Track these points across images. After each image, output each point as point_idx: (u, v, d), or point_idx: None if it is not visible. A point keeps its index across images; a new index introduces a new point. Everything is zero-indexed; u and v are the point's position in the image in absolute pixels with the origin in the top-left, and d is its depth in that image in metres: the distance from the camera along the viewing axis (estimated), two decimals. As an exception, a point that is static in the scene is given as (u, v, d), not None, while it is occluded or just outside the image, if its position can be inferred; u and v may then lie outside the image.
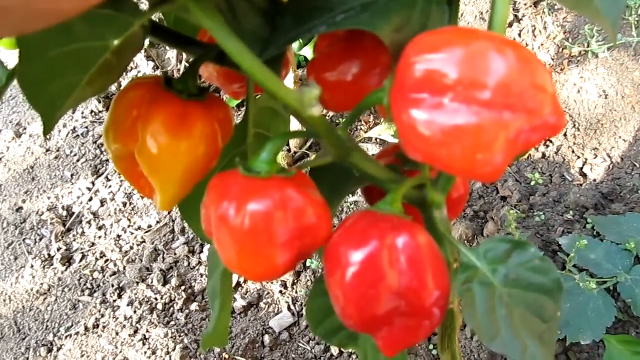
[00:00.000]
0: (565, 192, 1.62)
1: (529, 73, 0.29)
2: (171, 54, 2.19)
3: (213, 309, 0.46)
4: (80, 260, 1.74)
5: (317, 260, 1.59)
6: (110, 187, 1.91)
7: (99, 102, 2.13)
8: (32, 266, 1.74)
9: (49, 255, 1.76)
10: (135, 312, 1.58)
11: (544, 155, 1.73)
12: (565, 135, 1.76)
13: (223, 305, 0.45)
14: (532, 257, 0.37)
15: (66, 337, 1.58)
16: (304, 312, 1.52)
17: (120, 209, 1.85)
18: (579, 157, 1.70)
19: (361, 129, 1.87)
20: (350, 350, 1.42)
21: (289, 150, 1.85)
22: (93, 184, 1.93)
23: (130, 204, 1.86)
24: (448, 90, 0.29)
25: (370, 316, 0.37)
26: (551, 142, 1.75)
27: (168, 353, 1.49)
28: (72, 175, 1.97)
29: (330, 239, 0.38)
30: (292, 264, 0.37)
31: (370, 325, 0.38)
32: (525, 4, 2.04)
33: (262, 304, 1.56)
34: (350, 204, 1.72)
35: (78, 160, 2.01)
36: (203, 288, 1.62)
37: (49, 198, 1.91)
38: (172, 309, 1.58)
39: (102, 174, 1.96)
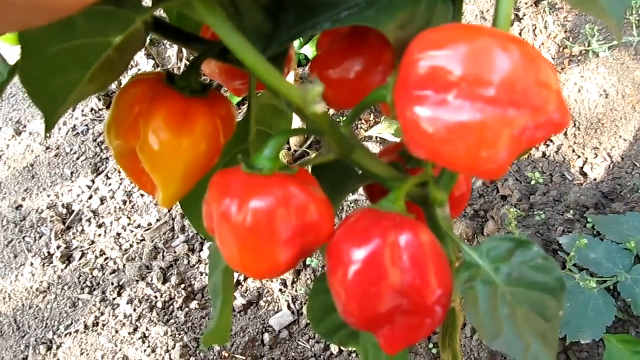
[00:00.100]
0: (565, 192, 1.62)
1: (533, 70, 0.29)
2: (171, 51, 2.19)
3: (215, 306, 0.46)
4: (80, 258, 1.74)
5: (317, 259, 1.59)
6: (110, 185, 1.91)
7: (99, 100, 2.13)
8: (32, 264, 1.74)
9: (48, 253, 1.76)
10: (135, 310, 1.58)
11: (544, 155, 1.73)
12: (565, 134, 1.75)
13: (225, 303, 0.45)
14: (534, 255, 0.37)
15: (66, 335, 1.58)
16: (303, 310, 1.52)
17: (120, 207, 1.84)
18: (579, 157, 1.70)
19: (361, 128, 1.87)
20: (349, 349, 1.42)
21: (289, 149, 1.85)
22: (93, 182, 1.93)
23: (130, 202, 1.85)
24: (452, 87, 0.28)
25: (372, 314, 0.37)
26: (551, 141, 1.75)
27: (168, 351, 1.48)
28: (72, 173, 1.97)
29: (332, 236, 0.38)
30: (294, 262, 0.37)
31: (372, 323, 0.38)
32: (526, 3, 2.04)
33: (262, 303, 1.56)
34: (351, 203, 1.72)
35: (78, 158, 2.01)
36: (203, 286, 1.62)
37: (48, 196, 1.91)
38: (171, 307, 1.58)
39: (102, 172, 1.95)
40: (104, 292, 1.64)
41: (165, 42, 2.23)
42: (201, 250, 1.69)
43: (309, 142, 1.85)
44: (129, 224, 1.80)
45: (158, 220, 1.78)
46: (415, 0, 0.33)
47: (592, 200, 1.56)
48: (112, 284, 1.65)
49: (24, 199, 1.92)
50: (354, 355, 1.42)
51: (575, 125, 1.77)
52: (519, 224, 1.53)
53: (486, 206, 1.62)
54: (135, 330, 1.55)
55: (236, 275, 1.54)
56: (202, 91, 0.42)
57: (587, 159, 1.70)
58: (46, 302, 1.66)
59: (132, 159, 0.41)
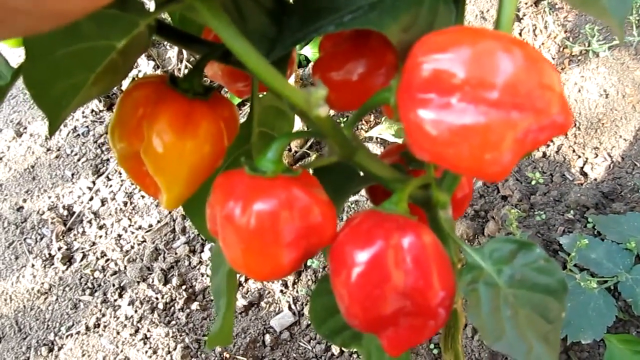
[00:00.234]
0: (565, 192, 1.62)
1: (536, 72, 0.29)
2: (172, 53, 2.19)
3: (218, 308, 0.46)
4: (81, 260, 1.74)
5: (318, 260, 1.59)
6: (110, 186, 1.91)
7: (100, 101, 2.13)
8: (33, 265, 1.74)
9: (49, 254, 1.76)
10: (136, 311, 1.58)
11: (544, 155, 1.74)
12: (565, 134, 1.76)
13: (228, 304, 0.45)
14: (537, 257, 0.37)
15: (67, 337, 1.58)
16: (304, 311, 1.52)
17: (120, 208, 1.85)
18: (579, 156, 1.71)
19: (362, 128, 1.87)
20: (351, 350, 1.42)
21: (290, 150, 1.85)
22: (94, 183, 1.93)
23: (131, 203, 1.86)
24: (455, 89, 0.29)
25: (375, 316, 0.37)
26: (552, 141, 1.75)
27: (169, 352, 1.49)
28: (72, 175, 1.97)
29: (335, 238, 0.38)
30: (297, 263, 0.37)
31: (375, 324, 0.38)
32: (526, 3, 2.04)
33: (262, 303, 1.56)
34: (351, 204, 1.72)
35: (79, 160, 2.01)
36: (204, 287, 1.62)
37: (49, 197, 1.91)
38: (172, 308, 1.58)
39: (103, 173, 1.96)
40: (105, 294, 1.64)
41: (166, 43, 2.23)
42: (202, 251, 1.69)
43: (309, 143, 1.86)
44: (129, 225, 1.80)
45: (159, 222, 1.78)
46: (417, 2, 0.34)
47: (593, 200, 1.56)
48: (113, 285, 1.65)
49: (24, 201, 1.92)
50: (354, 356, 1.42)
51: (575, 125, 1.77)
52: (519, 224, 1.53)
53: (487, 206, 1.62)
54: (137, 331, 1.55)
55: (237, 276, 1.53)
56: (205, 93, 0.42)
57: (587, 158, 1.70)
58: (47, 303, 1.66)
59: (136, 162, 0.41)
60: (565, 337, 1.24)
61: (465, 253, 0.40)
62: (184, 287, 1.61)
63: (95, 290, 1.66)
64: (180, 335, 1.51)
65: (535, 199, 1.61)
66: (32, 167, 2.02)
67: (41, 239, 1.80)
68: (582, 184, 1.65)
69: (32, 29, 0.22)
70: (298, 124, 1.54)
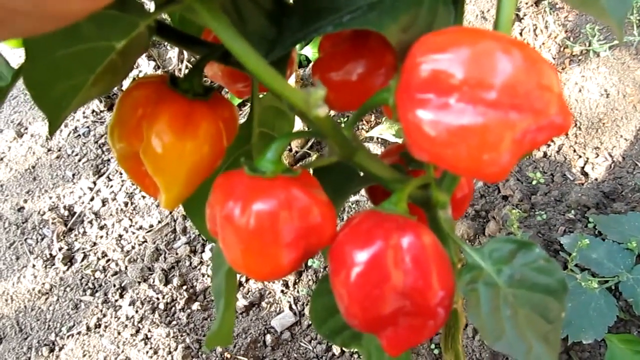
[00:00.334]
0: (566, 191, 1.62)
1: (535, 73, 0.29)
2: (172, 53, 2.19)
3: (217, 308, 0.46)
4: (82, 260, 1.74)
5: (319, 260, 1.59)
6: (111, 186, 1.91)
7: (100, 101, 2.13)
8: (34, 266, 1.74)
9: (50, 254, 1.76)
10: (136, 311, 1.59)
11: (545, 155, 1.73)
12: (566, 134, 1.75)
13: (227, 304, 0.45)
14: (537, 257, 0.37)
15: (68, 337, 1.58)
16: (305, 311, 1.52)
17: (121, 209, 1.85)
18: (580, 156, 1.70)
19: (362, 129, 1.87)
20: (351, 350, 1.42)
21: (290, 150, 1.85)
22: (94, 183, 1.93)
23: (132, 203, 1.86)
24: (454, 90, 0.29)
25: (374, 316, 0.37)
26: (552, 141, 1.75)
27: (170, 352, 1.49)
28: (73, 175, 1.97)
29: (335, 238, 0.38)
30: (297, 263, 0.37)
31: (375, 324, 0.38)
32: (526, 3, 2.04)
33: (263, 304, 1.56)
34: (352, 204, 1.72)
35: (79, 160, 2.01)
36: (205, 287, 1.62)
37: (50, 198, 1.91)
38: (173, 308, 1.58)
39: (104, 173, 1.96)
40: (105, 294, 1.64)
41: (167, 43, 2.23)
42: (203, 251, 1.69)
43: (310, 143, 1.86)
44: (130, 226, 1.80)
45: (159, 222, 1.78)
46: (417, 3, 0.34)
47: (593, 200, 1.56)
48: (114, 285, 1.65)
49: (25, 201, 1.92)
50: (355, 356, 1.42)
51: (576, 124, 1.77)
52: (520, 224, 1.53)
53: (487, 206, 1.62)
54: (137, 331, 1.55)
55: (238, 276, 1.54)
56: (205, 94, 0.42)
57: (588, 158, 1.70)
58: (48, 303, 1.66)
59: (135, 162, 0.41)
60: (566, 337, 1.24)
61: (464, 253, 0.40)
62: (184, 287, 1.61)
63: (96, 291, 1.66)
64: (181, 336, 1.51)
65: (536, 199, 1.61)
66: (33, 167, 2.02)
67: (42, 239, 1.80)
68: (583, 184, 1.65)
69: (32, 30, 0.22)
70: (298, 125, 1.54)
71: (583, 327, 1.24)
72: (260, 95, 0.53)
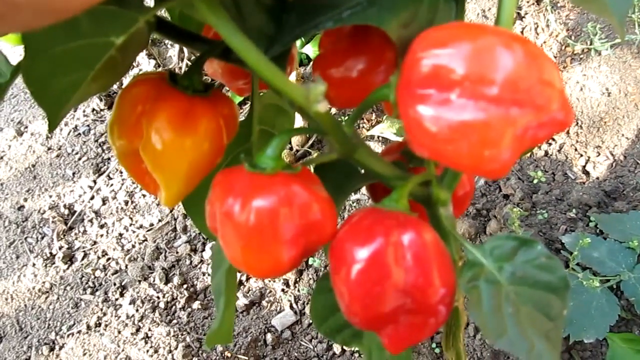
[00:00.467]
0: (567, 190, 1.62)
1: (536, 68, 0.28)
2: (172, 51, 2.19)
3: (217, 306, 0.46)
4: (82, 259, 1.74)
5: (320, 259, 1.59)
6: (111, 185, 1.91)
7: (101, 100, 2.13)
8: (34, 264, 1.74)
9: (50, 253, 1.76)
10: (137, 310, 1.58)
11: (546, 153, 1.73)
12: (567, 133, 1.75)
13: (227, 303, 0.45)
14: (538, 254, 0.37)
15: (68, 336, 1.58)
16: (306, 310, 1.52)
17: (121, 207, 1.85)
18: (581, 155, 1.70)
19: (363, 127, 1.87)
20: (352, 349, 1.42)
21: (291, 148, 1.85)
22: (95, 182, 1.93)
23: (132, 202, 1.86)
24: (455, 85, 0.28)
25: (375, 313, 0.37)
26: (554, 139, 1.75)
27: (170, 351, 1.49)
28: (73, 174, 1.97)
29: (335, 235, 0.38)
30: (297, 261, 0.37)
31: (376, 322, 0.38)
32: (528, 1, 2.04)
33: (264, 302, 1.56)
34: (353, 202, 1.72)
35: (79, 159, 2.01)
36: (205, 286, 1.62)
37: (50, 196, 1.91)
38: (174, 307, 1.58)
39: (104, 172, 1.96)
40: (106, 293, 1.64)
41: (167, 41, 2.23)
42: (203, 250, 1.69)
43: (310, 142, 1.85)
44: (130, 224, 1.80)
45: (160, 221, 1.78)
46: (417, -1, 0.33)
47: (595, 198, 1.56)
48: (114, 284, 1.65)
49: (25, 200, 1.92)
50: (356, 354, 1.42)
51: (577, 123, 1.76)
52: (521, 222, 1.53)
53: (488, 205, 1.62)
54: (138, 330, 1.55)
55: (238, 275, 1.54)
56: (205, 90, 0.42)
57: (589, 157, 1.69)
58: (48, 302, 1.66)
59: (135, 159, 0.41)
60: (567, 336, 1.24)
61: (466, 250, 0.39)
62: (185, 286, 1.61)
63: (97, 290, 1.66)
64: (182, 335, 1.51)
65: (537, 198, 1.61)
66: (33, 166, 2.02)
67: (42, 238, 1.80)
68: (584, 183, 1.64)
69: (32, 24, 0.21)
70: (299, 123, 1.54)
71: (584, 326, 1.24)
72: (261, 93, 0.53)
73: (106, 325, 1.58)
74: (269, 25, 0.37)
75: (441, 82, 0.29)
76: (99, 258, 1.73)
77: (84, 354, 1.53)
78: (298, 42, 1.90)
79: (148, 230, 1.77)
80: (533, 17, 2.00)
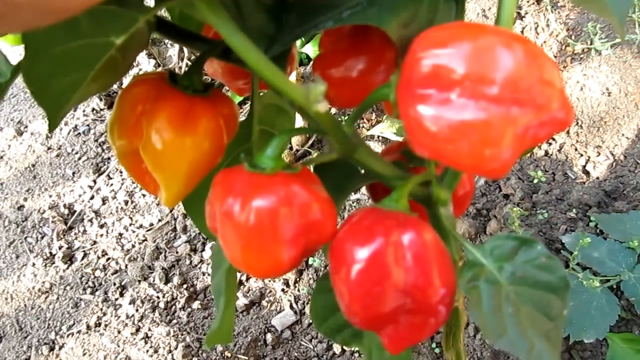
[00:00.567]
0: (568, 190, 1.62)
1: (536, 68, 0.28)
2: (172, 51, 2.19)
3: (217, 306, 0.46)
4: (82, 259, 1.74)
5: (320, 258, 1.59)
6: (111, 185, 1.91)
7: (100, 99, 2.13)
8: (34, 264, 1.74)
9: (50, 253, 1.76)
10: (137, 310, 1.58)
11: (546, 153, 1.73)
12: (568, 132, 1.75)
13: (227, 303, 0.45)
14: (538, 254, 0.37)
15: (68, 336, 1.58)
16: (306, 310, 1.52)
17: (121, 207, 1.85)
18: (581, 155, 1.70)
19: (363, 127, 1.87)
20: (352, 349, 1.42)
21: (291, 148, 1.85)
22: (94, 182, 1.93)
23: (132, 202, 1.86)
24: (455, 85, 0.28)
25: (375, 313, 0.37)
26: (554, 139, 1.75)
27: (170, 351, 1.49)
28: (73, 173, 1.97)
29: (335, 235, 0.38)
30: (297, 261, 0.37)
31: (376, 322, 0.38)
32: (528, 1, 2.04)
33: (264, 302, 1.56)
34: (353, 202, 1.72)
35: (79, 158, 2.01)
36: (205, 286, 1.62)
37: (50, 196, 1.91)
38: (174, 307, 1.58)
39: (104, 172, 1.96)
40: (106, 292, 1.64)
41: (167, 41, 2.23)
42: (203, 250, 1.69)
43: (310, 142, 1.85)
44: (130, 224, 1.80)
45: (160, 220, 1.78)
46: (417, -1, 0.33)
47: (595, 198, 1.55)
48: (114, 284, 1.65)
49: (25, 199, 1.92)
50: (356, 354, 1.42)
51: (577, 123, 1.76)
52: (521, 222, 1.53)
53: (488, 205, 1.62)
54: (138, 330, 1.55)
55: (238, 275, 1.54)
56: (205, 90, 0.42)
57: (589, 157, 1.69)
58: (48, 302, 1.66)
59: (135, 159, 0.41)
60: (567, 336, 1.24)
61: (466, 250, 0.39)
62: (185, 286, 1.61)
63: (96, 289, 1.66)
64: (182, 334, 1.51)
65: (537, 198, 1.61)
66: (33, 165, 2.02)
67: (42, 237, 1.80)
68: (584, 183, 1.64)
69: (32, 24, 0.22)
70: (299, 123, 1.54)
71: (584, 326, 1.23)
72: (261, 93, 0.53)
73: (106, 325, 1.58)
74: (269, 25, 0.37)
75: (441, 81, 0.29)
76: (98, 258, 1.73)
77: (84, 354, 1.53)
78: (298, 42, 1.90)
79: (148, 230, 1.77)
80: (533, 16, 2.00)
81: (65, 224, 1.83)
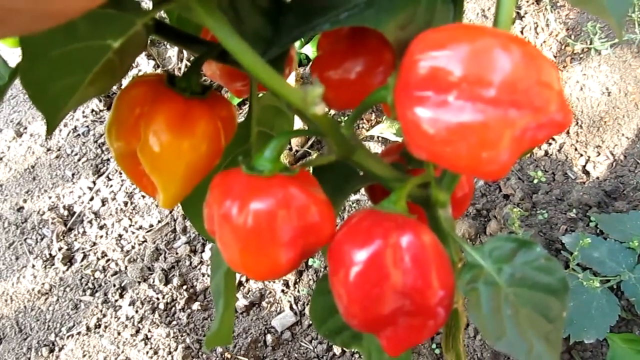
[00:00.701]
0: (568, 190, 1.62)
1: (534, 70, 0.28)
2: (172, 52, 2.19)
3: (217, 307, 0.46)
4: (82, 260, 1.74)
5: (319, 260, 1.59)
6: (111, 186, 1.91)
7: (100, 101, 2.13)
8: (34, 266, 1.74)
9: (50, 254, 1.76)
10: (136, 311, 1.58)
11: (546, 153, 1.73)
12: (567, 132, 1.75)
13: (227, 304, 0.45)
14: (537, 256, 0.37)
15: (68, 337, 1.58)
16: (306, 311, 1.52)
17: (121, 208, 1.85)
18: (581, 155, 1.70)
19: (363, 127, 1.87)
20: (352, 350, 1.42)
21: (290, 149, 1.85)
22: (94, 183, 1.93)
23: (132, 203, 1.86)
24: (453, 87, 0.28)
25: (374, 315, 0.36)
26: (554, 139, 1.75)
27: (170, 353, 1.48)
28: (73, 175, 1.97)
29: (334, 237, 0.37)
30: (295, 263, 0.37)
31: (374, 324, 0.38)
32: (527, 1, 2.04)
33: (264, 303, 1.56)
34: (352, 203, 1.72)
35: (79, 160, 2.01)
36: (205, 287, 1.62)
37: (49, 197, 1.91)
38: (173, 308, 1.58)
39: (103, 173, 1.96)
40: (105, 294, 1.64)
41: (166, 42, 2.23)
42: (203, 251, 1.69)
43: (310, 143, 1.85)
44: (130, 225, 1.80)
45: (159, 222, 1.78)
46: (414, 0, 0.33)
47: (595, 198, 1.55)
48: (114, 285, 1.65)
49: (25, 201, 1.92)
50: (356, 356, 1.42)
51: (577, 123, 1.76)
52: (521, 223, 1.53)
53: (488, 205, 1.62)
54: (137, 331, 1.55)
55: (238, 276, 1.54)
56: (203, 92, 0.42)
57: (589, 157, 1.69)
58: (48, 303, 1.66)
59: (133, 161, 0.41)
60: (568, 336, 1.24)
61: (465, 252, 0.39)
62: (184, 287, 1.61)
63: (96, 291, 1.66)
64: (182, 336, 1.51)
65: (537, 198, 1.60)
66: (33, 167, 2.02)
67: (42, 239, 1.80)
68: (584, 183, 1.64)
69: (30, 28, 0.22)
70: (298, 124, 1.54)
71: (585, 326, 1.23)
72: (259, 95, 0.53)
73: (106, 327, 1.58)
74: (266, 27, 0.37)
75: (439, 84, 0.29)
76: (98, 259, 1.73)
77: (84, 356, 1.53)
78: (297, 43, 1.90)
79: (147, 231, 1.77)
80: (533, 16, 2.00)
81: (65, 225, 1.83)
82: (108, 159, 2.00)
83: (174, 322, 1.55)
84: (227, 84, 0.55)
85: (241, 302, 1.55)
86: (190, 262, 1.67)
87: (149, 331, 1.54)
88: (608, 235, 1.40)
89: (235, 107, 0.45)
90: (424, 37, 0.30)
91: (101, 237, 1.78)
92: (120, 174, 1.94)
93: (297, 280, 1.58)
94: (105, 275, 1.69)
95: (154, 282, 1.64)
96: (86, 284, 1.68)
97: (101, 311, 1.61)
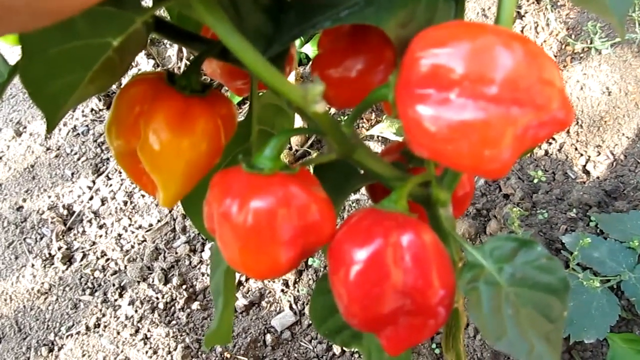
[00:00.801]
0: (568, 190, 1.62)
1: (536, 67, 0.28)
2: (171, 51, 2.19)
3: (216, 307, 0.46)
4: (81, 259, 1.74)
5: (319, 259, 1.59)
6: (110, 185, 1.91)
7: (99, 100, 2.13)
8: (33, 265, 1.74)
9: (49, 254, 1.76)
10: (136, 311, 1.58)
11: (546, 153, 1.73)
12: (568, 132, 1.75)
13: (226, 303, 0.45)
14: (538, 255, 0.37)
15: (67, 337, 1.57)
16: (305, 310, 1.52)
17: (121, 208, 1.84)
18: (581, 155, 1.70)
19: (363, 127, 1.86)
20: (352, 349, 1.42)
21: (290, 148, 1.85)
22: (94, 182, 1.93)
23: (131, 202, 1.85)
24: (454, 85, 0.28)
25: (374, 315, 0.36)
26: (554, 139, 1.75)
27: (169, 352, 1.48)
28: (72, 174, 1.97)
29: (334, 236, 0.37)
30: (295, 262, 0.37)
31: (375, 324, 0.37)
32: (528, 0, 2.04)
33: (263, 303, 1.55)
34: (352, 202, 1.72)
35: (78, 159, 2.01)
36: (204, 287, 1.62)
37: (49, 197, 1.91)
38: (173, 308, 1.58)
39: (103, 172, 1.95)
40: (105, 293, 1.64)
41: (166, 41, 2.23)
42: (202, 250, 1.69)
43: (310, 142, 1.85)
44: (129, 225, 1.80)
45: (159, 221, 1.78)
46: (415, -2, 0.33)
47: (595, 198, 1.55)
48: (113, 285, 1.65)
49: (24, 200, 1.92)
50: (356, 355, 1.42)
51: (577, 122, 1.76)
52: (521, 222, 1.53)
53: (488, 205, 1.62)
54: (137, 331, 1.55)
55: (237, 275, 1.54)
56: (203, 91, 0.42)
57: (589, 156, 1.69)
58: (47, 303, 1.66)
59: (133, 159, 0.41)
60: (568, 336, 1.24)
61: (465, 251, 0.39)
62: (184, 286, 1.61)
63: (96, 290, 1.66)
64: (181, 335, 1.51)
65: (537, 198, 1.60)
66: (32, 166, 2.02)
67: (41, 238, 1.80)
68: (584, 182, 1.64)
69: (28, 25, 0.21)
70: (298, 122, 1.54)
71: (585, 326, 1.23)
72: (260, 93, 0.53)
73: (105, 326, 1.57)
74: (267, 25, 0.37)
75: (440, 81, 0.28)
76: (98, 259, 1.73)
77: (83, 355, 1.52)
78: (297, 42, 1.90)
79: (147, 231, 1.76)
80: (533, 16, 2.00)
81: (65, 224, 1.82)
82: (108, 158, 1.99)
83: (174, 322, 1.55)
84: (227, 83, 0.55)
85: (241, 302, 1.55)
86: (190, 262, 1.67)
87: (149, 331, 1.54)
88: (608, 235, 1.40)
89: (235, 105, 0.45)
90: (425, 34, 0.30)
91: (101, 236, 1.78)
92: (120, 173, 1.94)
93: (297, 279, 1.58)
94: (105, 275, 1.69)
95: (153, 281, 1.63)
96: (85, 284, 1.67)
97: (100, 311, 1.61)
